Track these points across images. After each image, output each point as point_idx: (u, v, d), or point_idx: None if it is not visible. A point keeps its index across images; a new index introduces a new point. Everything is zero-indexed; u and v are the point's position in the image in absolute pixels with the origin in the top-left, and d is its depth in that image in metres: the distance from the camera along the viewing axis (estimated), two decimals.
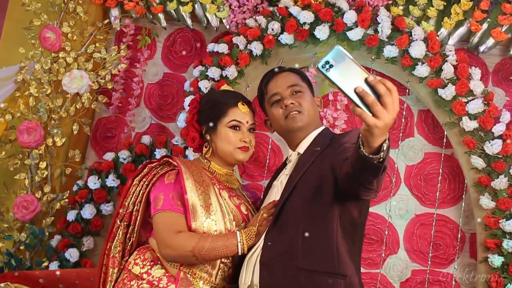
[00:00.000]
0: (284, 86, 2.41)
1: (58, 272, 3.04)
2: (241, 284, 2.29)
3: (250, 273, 2.26)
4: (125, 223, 2.48)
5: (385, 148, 1.62)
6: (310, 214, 2.18)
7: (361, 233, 2.29)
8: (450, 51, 3.67)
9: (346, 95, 1.49)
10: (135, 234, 2.47)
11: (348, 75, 1.47)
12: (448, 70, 3.61)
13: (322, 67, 1.46)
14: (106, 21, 4.17)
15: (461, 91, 3.58)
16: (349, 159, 1.87)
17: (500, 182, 3.49)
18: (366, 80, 1.48)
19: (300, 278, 2.12)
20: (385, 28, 3.68)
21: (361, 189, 1.90)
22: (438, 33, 3.76)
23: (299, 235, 2.17)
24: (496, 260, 3.43)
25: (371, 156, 1.64)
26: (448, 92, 3.59)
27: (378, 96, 1.48)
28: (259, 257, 2.25)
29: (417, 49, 3.63)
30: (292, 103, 2.37)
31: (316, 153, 2.28)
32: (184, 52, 4.26)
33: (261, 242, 2.27)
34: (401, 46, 3.65)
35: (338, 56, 1.47)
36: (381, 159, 1.65)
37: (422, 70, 3.63)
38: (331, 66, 1.46)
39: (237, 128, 2.47)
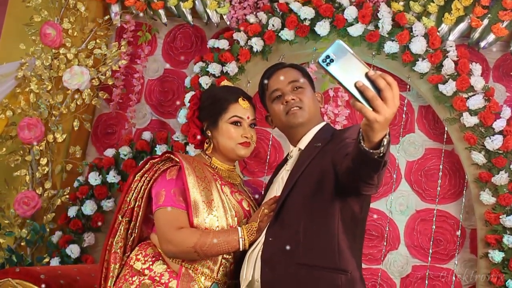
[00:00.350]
0: (285, 82, 2.41)
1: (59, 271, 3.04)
2: (242, 280, 2.29)
3: (251, 269, 2.26)
4: (127, 219, 2.48)
5: (385, 143, 1.62)
6: (311, 210, 2.18)
7: (362, 228, 2.30)
8: (451, 46, 3.67)
9: (346, 90, 1.49)
10: (136, 230, 2.47)
11: (348, 69, 1.47)
12: (448, 66, 3.61)
13: (323, 62, 1.46)
14: (106, 17, 4.17)
15: (461, 87, 3.58)
16: (349, 154, 1.87)
17: (501, 178, 3.49)
18: (366, 75, 1.48)
19: (301, 274, 2.12)
20: (385, 24, 3.68)
21: (362, 184, 1.90)
22: (439, 29, 3.76)
23: (300, 231, 2.17)
24: (497, 256, 3.44)
25: (371, 151, 1.64)
26: (448, 88, 3.59)
27: (378, 90, 1.48)
28: (260, 253, 2.25)
29: (418, 45, 3.62)
30: (293, 99, 2.37)
31: (317, 148, 2.29)
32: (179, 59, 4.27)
33: (262, 238, 2.28)
34: (401, 42, 3.65)
35: (338, 51, 1.47)
36: (381, 154, 1.65)
37: (423, 66, 3.63)
38: (331, 60, 1.46)
39: (238, 124, 2.47)
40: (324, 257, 2.14)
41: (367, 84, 1.48)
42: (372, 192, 2.02)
